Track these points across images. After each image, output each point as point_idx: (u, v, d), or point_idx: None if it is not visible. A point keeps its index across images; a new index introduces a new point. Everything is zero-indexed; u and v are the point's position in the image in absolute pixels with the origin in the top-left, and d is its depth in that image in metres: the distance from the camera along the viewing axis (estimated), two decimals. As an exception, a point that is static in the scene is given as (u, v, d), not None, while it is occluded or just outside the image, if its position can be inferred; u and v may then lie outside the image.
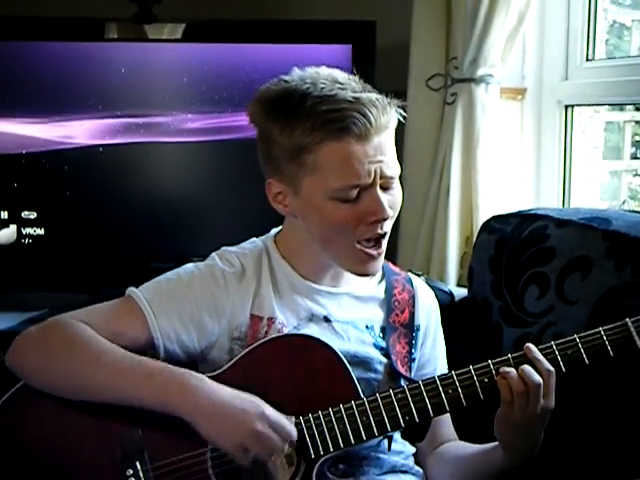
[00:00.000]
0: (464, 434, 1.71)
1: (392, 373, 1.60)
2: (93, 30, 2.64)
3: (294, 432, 1.43)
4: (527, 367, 1.45)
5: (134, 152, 2.62)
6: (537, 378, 1.44)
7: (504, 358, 1.49)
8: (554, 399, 1.46)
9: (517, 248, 1.93)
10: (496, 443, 1.54)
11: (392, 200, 1.53)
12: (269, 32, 2.63)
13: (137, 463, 1.45)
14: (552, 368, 1.46)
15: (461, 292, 2.12)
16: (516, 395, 1.44)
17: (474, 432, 1.65)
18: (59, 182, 2.65)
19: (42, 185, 2.65)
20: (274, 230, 1.67)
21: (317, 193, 1.50)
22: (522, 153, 2.60)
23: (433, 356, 1.71)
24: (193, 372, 1.46)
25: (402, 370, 1.60)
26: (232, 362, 1.52)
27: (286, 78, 1.54)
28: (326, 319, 1.59)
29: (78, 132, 2.60)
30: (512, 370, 1.45)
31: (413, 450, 1.66)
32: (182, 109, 2.60)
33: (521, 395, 1.44)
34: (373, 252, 1.54)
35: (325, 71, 1.54)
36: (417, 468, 1.65)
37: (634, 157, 2.88)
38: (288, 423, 1.43)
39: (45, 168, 2.63)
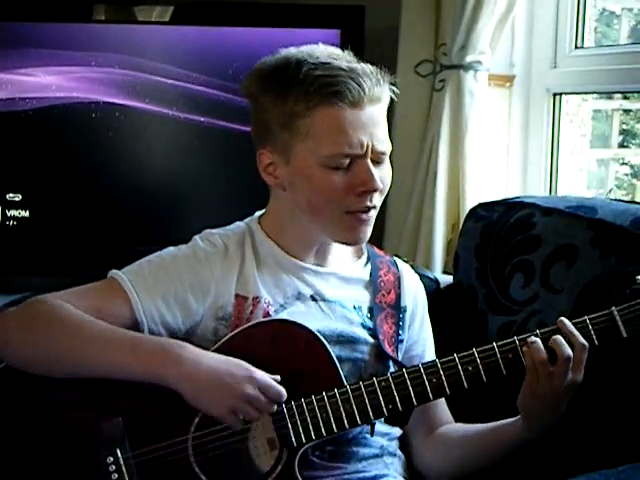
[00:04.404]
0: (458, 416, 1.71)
1: (379, 354, 1.60)
2: (81, 11, 2.62)
3: (283, 392, 1.43)
4: (559, 338, 1.44)
5: (120, 125, 2.60)
6: (567, 351, 1.43)
7: (489, 347, 1.48)
8: (582, 373, 1.45)
9: (503, 236, 1.93)
10: (508, 420, 1.55)
11: (382, 175, 1.54)
12: (258, 15, 2.62)
13: (118, 450, 1.44)
14: (586, 343, 1.44)
15: (446, 279, 2.12)
16: (539, 365, 1.43)
17: (467, 413, 1.66)
18: (45, 162, 2.63)
19: (27, 166, 2.64)
20: (258, 213, 1.67)
21: (309, 160, 1.51)
22: (510, 140, 2.60)
23: (421, 338, 1.71)
24: (177, 340, 1.47)
25: (389, 351, 1.60)
26: (213, 349, 1.50)
27: (282, 51, 1.57)
28: (313, 298, 1.60)
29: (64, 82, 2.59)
30: (537, 340, 1.45)
31: (399, 432, 1.66)
32: (170, 90, 2.59)
33: (544, 365, 1.43)
34: (363, 216, 1.54)
35: (321, 46, 1.57)
36: (400, 453, 1.65)
37: (621, 146, 2.89)
38: (275, 384, 1.43)
39: (31, 147, 2.62)
